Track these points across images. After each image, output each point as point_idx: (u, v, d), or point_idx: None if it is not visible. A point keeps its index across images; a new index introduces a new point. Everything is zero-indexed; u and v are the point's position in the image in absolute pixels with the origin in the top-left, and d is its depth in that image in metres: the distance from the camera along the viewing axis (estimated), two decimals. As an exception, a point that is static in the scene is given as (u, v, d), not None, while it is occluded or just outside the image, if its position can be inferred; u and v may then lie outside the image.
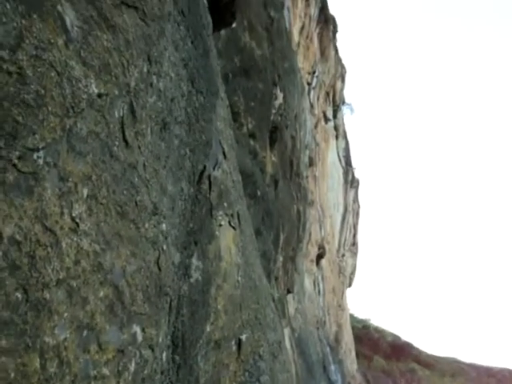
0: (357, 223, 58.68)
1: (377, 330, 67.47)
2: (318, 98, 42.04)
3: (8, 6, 1.93)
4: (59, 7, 2.26)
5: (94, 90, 2.45)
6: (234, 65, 16.56)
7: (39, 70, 2.05)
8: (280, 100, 21.47)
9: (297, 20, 37.64)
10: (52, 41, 2.16)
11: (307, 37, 40.44)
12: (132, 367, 2.60)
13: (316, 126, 39.55)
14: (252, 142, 17.34)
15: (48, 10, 2.18)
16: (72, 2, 2.39)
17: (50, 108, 2.09)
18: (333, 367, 32.33)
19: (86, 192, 2.28)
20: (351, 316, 57.54)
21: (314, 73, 41.09)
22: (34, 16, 2.07)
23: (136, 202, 2.75)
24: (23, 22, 1.99)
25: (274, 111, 20.42)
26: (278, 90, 21.36)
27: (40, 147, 2.00)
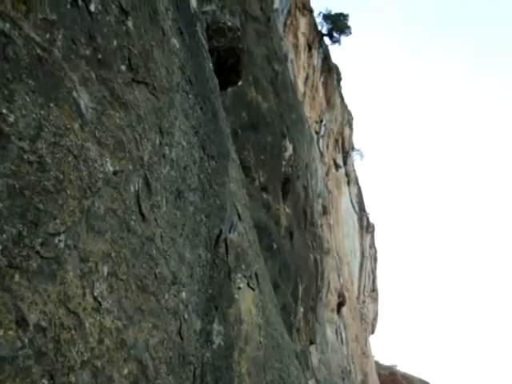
0: (375, 268, 58.07)
1: (404, 376, 65.78)
2: (327, 146, 42.40)
3: (28, 99, 2.01)
4: (74, 93, 2.35)
5: (110, 168, 2.52)
6: (242, 120, 16.82)
7: (57, 156, 2.12)
8: (290, 151, 21.66)
9: (301, 71, 38.38)
10: (68, 126, 2.24)
11: (312, 86, 41.12)
12: None
13: (327, 174, 39.76)
14: (265, 196, 17.44)
15: (64, 96, 2.27)
16: (86, 85, 2.49)
17: (68, 191, 2.15)
18: (361, 417, 31.49)
19: (106, 270, 2.32)
20: (376, 363, 56.29)
21: (321, 121, 41.58)
22: (52, 105, 2.15)
23: (155, 274, 2.78)
24: (42, 112, 2.08)
25: (284, 163, 20.58)
26: (287, 142, 21.58)
27: (61, 231, 2.05)
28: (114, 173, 2.55)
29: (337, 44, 49.51)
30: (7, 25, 2.04)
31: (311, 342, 23.80)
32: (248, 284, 4.46)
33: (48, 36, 2.30)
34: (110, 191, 2.48)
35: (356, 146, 56.06)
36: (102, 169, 2.43)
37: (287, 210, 21.22)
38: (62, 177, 2.12)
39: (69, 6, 2.48)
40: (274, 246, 16.15)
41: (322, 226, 32.23)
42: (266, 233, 15.30)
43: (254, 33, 19.68)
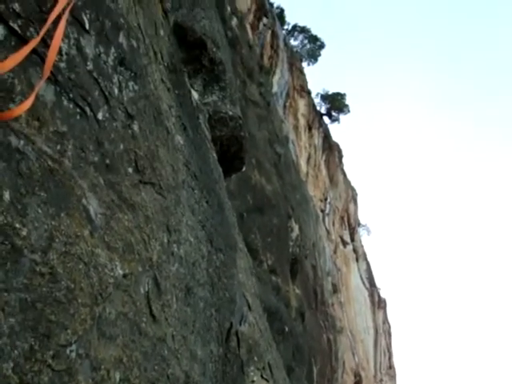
0: (390, 344, 56.68)
1: None
2: (333, 224, 42.47)
3: (40, 211, 2.07)
4: (84, 200, 2.41)
5: (119, 271, 2.54)
6: (248, 203, 16.99)
7: (69, 265, 2.15)
8: (296, 231, 21.71)
9: (303, 151, 39.06)
10: (79, 234, 2.29)
11: (315, 165, 41.72)
12: None
13: (335, 251, 39.59)
14: (274, 278, 17.32)
15: (74, 205, 2.33)
16: (95, 191, 2.56)
17: (79, 300, 2.16)
18: None
19: (118, 376, 2.30)
20: None
21: (326, 199, 41.89)
22: (62, 214, 2.21)
23: (168, 376, 2.75)
24: (53, 222, 2.13)
25: (291, 243, 20.59)
26: (293, 222, 21.67)
27: (72, 341, 2.05)
28: (124, 276, 2.57)
29: (336, 123, 50.71)
30: (21, 141, 2.13)
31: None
32: (261, 376, 4.37)
33: (59, 147, 2.39)
34: (120, 295, 2.49)
35: (362, 221, 56.18)
36: (112, 273, 2.46)
37: (297, 291, 21.01)
38: (73, 286, 2.14)
39: (78, 117, 2.60)
40: (286, 328, 15.89)
41: (333, 304, 31.78)
42: (277, 316, 15.10)
43: (255, 117, 20.22)
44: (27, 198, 2.06)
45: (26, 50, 2.26)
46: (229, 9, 23.31)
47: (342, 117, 50.56)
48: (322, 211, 38.92)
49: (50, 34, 2.48)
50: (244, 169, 12.47)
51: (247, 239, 13.73)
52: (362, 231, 55.65)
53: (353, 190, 52.09)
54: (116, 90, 3.04)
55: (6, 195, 1.96)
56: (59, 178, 2.30)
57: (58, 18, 2.56)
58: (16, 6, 2.33)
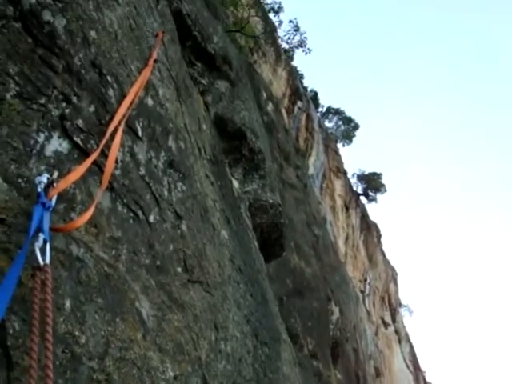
0: (439, 434, 53.86)
1: None
2: (373, 305, 41.54)
3: (97, 317, 2.15)
4: (137, 303, 2.49)
5: (170, 373, 2.57)
6: (287, 287, 16.84)
7: (123, 370, 2.20)
8: (336, 314, 21.30)
9: (340, 232, 38.89)
10: (132, 337, 2.35)
11: (353, 246, 41.36)
12: None
13: (376, 333, 38.48)
14: (315, 363, 16.87)
15: (128, 309, 2.41)
16: (147, 293, 2.64)
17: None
18: None
19: None
20: None
21: (365, 280, 41.20)
22: (117, 319, 2.28)
23: None
24: (109, 328, 2.20)
25: (332, 327, 20.15)
26: (333, 305, 21.30)
27: None
28: (175, 378, 2.60)
29: (373, 202, 50.65)
30: (81, 249, 2.24)
31: None
32: None
33: (114, 252, 2.50)
34: (171, 398, 2.51)
35: (403, 301, 54.83)
36: (163, 376, 2.49)
37: (339, 376, 20.36)
38: (127, 392, 2.18)
39: (131, 221, 2.72)
40: (329, 418, 15.29)
41: (376, 390, 30.54)
42: (320, 404, 14.57)
43: (292, 200, 20.40)
44: (86, 305, 2.15)
45: (87, 163, 2.42)
46: (264, 95, 24.08)
47: (379, 196, 50.65)
48: (362, 292, 38.21)
49: (107, 145, 2.65)
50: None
51: (287, 324, 13.54)
52: (403, 312, 54.24)
53: (392, 269, 51.20)
54: (166, 192, 3.18)
55: (67, 304, 2.05)
56: (114, 283, 2.39)
57: (115, 129, 2.74)
58: (80, 122, 2.52)
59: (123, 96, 2.95)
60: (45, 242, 2.00)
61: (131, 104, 2.98)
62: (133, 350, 2.33)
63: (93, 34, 2.91)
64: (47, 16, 2.58)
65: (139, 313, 2.50)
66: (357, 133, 50.56)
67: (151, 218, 2.93)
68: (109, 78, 2.90)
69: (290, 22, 31.85)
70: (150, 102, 3.34)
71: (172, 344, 2.69)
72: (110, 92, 2.86)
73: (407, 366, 45.73)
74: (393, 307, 47.12)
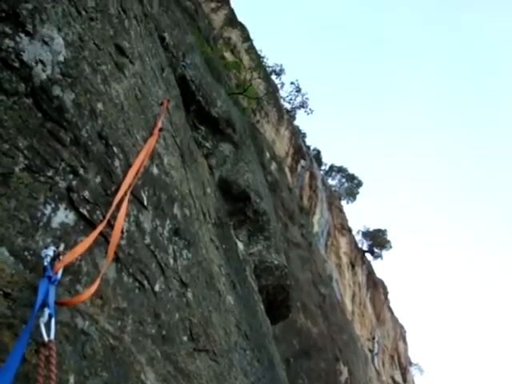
0: None
1: None
2: (383, 364, 40.59)
3: None
4: (142, 375, 2.46)
5: None
6: (294, 348, 16.54)
7: None
8: (345, 374, 20.83)
9: (347, 289, 38.47)
10: None
11: (360, 304, 40.81)
12: None
13: (387, 395, 37.48)
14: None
15: (133, 381, 2.38)
16: (152, 364, 2.60)
17: None
18: None
19: None
20: None
21: (373, 338, 40.40)
22: None
23: None
24: None
25: (341, 388, 19.67)
26: (342, 365, 20.85)
27: None
28: None
29: (379, 259, 50.28)
30: (86, 322, 2.23)
31: None
32: None
33: (119, 323, 2.48)
34: None
35: (413, 360, 53.58)
36: None
37: None
38: None
39: (137, 291, 2.71)
40: None
41: None
42: None
43: (297, 259, 20.30)
44: (90, 380, 2.12)
45: (93, 235, 2.44)
46: (268, 154, 24.35)
47: (384, 252, 50.31)
48: (371, 351, 37.44)
49: (113, 215, 2.67)
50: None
51: (295, 386, 13.23)
52: (414, 371, 52.92)
53: (401, 327, 50.31)
54: (171, 260, 3.18)
55: (71, 380, 2.02)
56: (120, 356, 2.36)
57: (121, 199, 2.77)
58: (86, 193, 2.55)
59: (129, 166, 3.00)
60: (50, 316, 1.99)
61: (137, 173, 3.03)
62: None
63: (100, 106, 2.98)
64: (57, 91, 2.65)
65: (144, 385, 2.46)
66: (360, 189, 50.79)
67: (157, 287, 2.92)
68: (115, 149, 2.95)
69: (292, 83, 32.54)
70: (155, 170, 3.39)
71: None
72: (116, 162, 2.91)
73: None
74: (403, 366, 46.05)
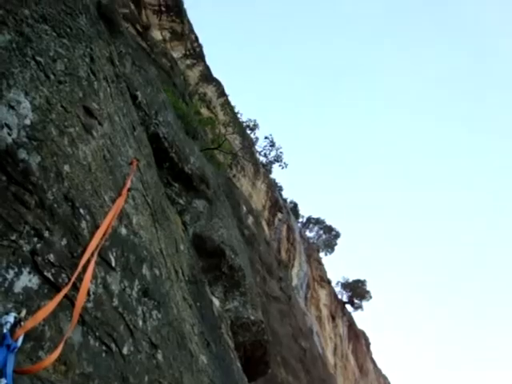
0: None
1: None
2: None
3: None
4: None
5: None
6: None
7: None
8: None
9: (328, 342, 37.97)
10: None
11: (342, 356, 40.24)
12: None
13: None
14: None
15: None
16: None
17: None
18: None
19: None
20: None
21: (358, 393, 39.79)
22: None
23: None
24: None
25: None
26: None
27: None
28: None
29: (359, 310, 49.95)
30: None
31: None
32: None
33: (84, 389, 2.41)
34: None
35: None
36: None
37: None
38: None
39: (104, 355, 2.66)
40: None
41: None
42: None
43: (277, 313, 20.06)
44: None
45: (57, 299, 2.40)
46: (244, 208, 24.38)
47: (364, 303, 50.05)
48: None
49: (80, 277, 2.64)
50: (270, 370, 12.11)
51: None
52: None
53: (384, 378, 49.64)
54: (140, 322, 3.13)
55: None
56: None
57: (88, 261, 2.75)
58: (51, 257, 2.53)
59: (96, 227, 2.98)
60: None
61: (104, 235, 3.01)
62: None
63: (66, 168, 2.98)
64: (22, 154, 2.66)
65: None
66: (338, 241, 50.89)
67: (125, 350, 2.86)
68: (81, 211, 2.94)
69: (266, 138, 32.92)
70: (123, 231, 3.38)
71: None
72: (83, 224, 2.90)
73: None
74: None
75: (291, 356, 20.02)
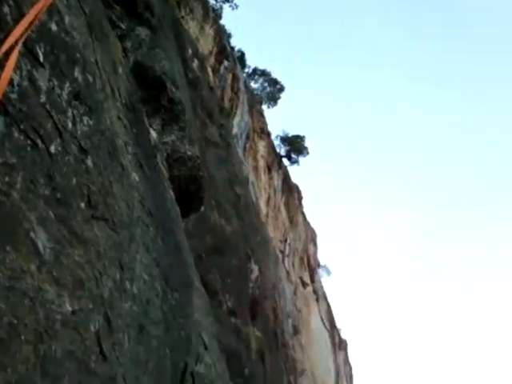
0: (351, 387, 56.38)
1: None
2: (293, 265, 42.42)
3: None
4: (32, 234, 2.34)
5: (68, 308, 2.46)
6: (206, 244, 16.82)
7: (12, 300, 2.06)
8: (256, 273, 21.58)
9: (262, 192, 39.19)
10: (25, 268, 2.21)
11: (274, 207, 41.84)
12: None
13: (295, 293, 39.44)
14: (233, 320, 17.08)
15: (21, 238, 2.26)
16: (44, 224, 2.49)
17: (23, 337, 2.07)
18: None
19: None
20: None
21: (285, 241, 41.91)
22: (8, 248, 2.13)
23: (117, 418, 2.64)
24: (-3, 256, 2.05)
25: (251, 285, 20.43)
26: (253, 263, 21.56)
27: (13, 381, 1.95)
28: (73, 313, 2.49)
29: (295, 164, 51.18)
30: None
31: None
32: (217, 419, 4.26)
33: (7, 179, 2.32)
34: (68, 332, 2.40)
35: (322, 262, 56.31)
36: (60, 309, 2.38)
37: (257, 333, 20.74)
38: (15, 322, 2.05)
39: (29, 149, 2.54)
40: (246, 371, 15.63)
41: (293, 346, 31.47)
42: (237, 358, 14.84)
43: (214, 158, 20.25)
44: (-29, 231, 1.99)
45: None
46: (190, 51, 23.56)
47: (301, 159, 51.18)
48: (282, 252, 38.92)
49: (1, 64, 2.44)
50: (203, 209, 12.42)
51: (206, 280, 13.58)
52: (321, 272, 55.74)
53: (312, 231, 52.34)
54: (70, 124, 3.00)
55: None
56: (6, 211, 2.23)
57: (11, 48, 2.53)
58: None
59: (22, 16, 2.72)
60: None
61: (30, 25, 2.76)
62: (24, 280, 2.19)
63: None
64: None
65: (34, 243, 2.35)
66: (282, 95, 50.69)
67: (52, 149, 2.75)
68: (5, -5, 2.66)
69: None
70: (53, 27, 3.11)
71: (71, 279, 2.57)
72: (6, 9, 2.63)
73: (324, 324, 47.33)
74: (312, 267, 48.38)
75: (226, 201, 20.57)
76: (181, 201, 8.07)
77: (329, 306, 52.01)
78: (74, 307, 2.52)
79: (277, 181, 42.78)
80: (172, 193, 6.36)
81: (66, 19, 3.37)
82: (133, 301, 3.21)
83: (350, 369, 57.07)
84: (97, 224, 3.00)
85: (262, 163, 38.77)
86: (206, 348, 4.47)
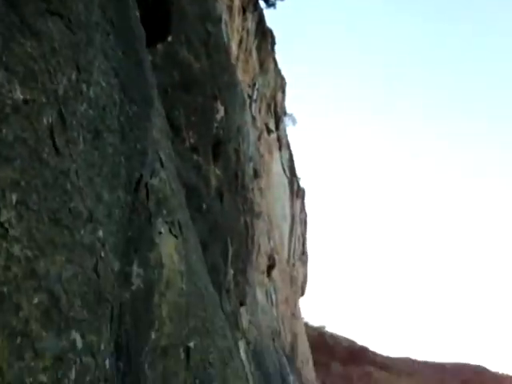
0: (305, 232, 59.18)
1: (332, 336, 68.42)
2: (259, 111, 42.37)
3: None
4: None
5: (20, 96, 2.44)
6: (173, 79, 16.52)
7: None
8: (221, 113, 21.54)
9: (235, 34, 37.93)
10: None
11: (246, 50, 40.80)
12: (72, 374, 2.57)
13: (259, 138, 39.83)
14: (195, 157, 17.31)
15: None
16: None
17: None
18: (291, 377, 32.43)
19: (14, 198, 2.26)
20: (306, 325, 57.99)
21: (254, 85, 41.43)
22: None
23: (69, 209, 2.74)
24: None
25: (215, 125, 20.45)
26: (219, 104, 21.42)
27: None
28: (25, 101, 2.47)
29: (272, 8, 49.17)
30: None
31: (241, 304, 24.14)
32: (170, 230, 4.46)
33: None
34: (19, 120, 2.41)
35: (289, 111, 56.40)
36: (10, 95, 2.35)
37: (218, 172, 21.18)
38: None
39: None
40: (204, 206, 16.14)
41: (253, 189, 32.44)
42: (196, 193, 15.25)
43: None
44: None
45: None
46: None
47: (278, 2, 49.07)
48: (250, 97, 38.68)
49: None
50: (171, 40, 12.05)
51: (170, 115, 13.50)
52: (287, 121, 56.00)
53: (282, 78, 51.74)
54: None
55: None
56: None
57: None
58: None
59: None
60: None
61: None
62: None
63: None
64: None
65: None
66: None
67: None
68: None
69: None
70: None
71: (23, 68, 2.51)
72: None
73: (284, 171, 48.55)
74: (278, 115, 48.52)
75: (196, 37, 19.89)
76: (147, 27, 7.78)
77: (291, 155, 53.01)
78: (26, 97, 2.49)
79: (251, 23, 41.34)
80: (138, 13, 6.10)
81: None
82: (89, 104, 3.20)
83: (306, 216, 59.59)
84: (51, 18, 2.88)
85: (237, 3, 37.10)
86: (162, 165, 4.56)
